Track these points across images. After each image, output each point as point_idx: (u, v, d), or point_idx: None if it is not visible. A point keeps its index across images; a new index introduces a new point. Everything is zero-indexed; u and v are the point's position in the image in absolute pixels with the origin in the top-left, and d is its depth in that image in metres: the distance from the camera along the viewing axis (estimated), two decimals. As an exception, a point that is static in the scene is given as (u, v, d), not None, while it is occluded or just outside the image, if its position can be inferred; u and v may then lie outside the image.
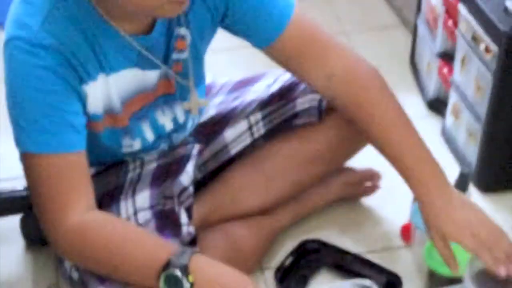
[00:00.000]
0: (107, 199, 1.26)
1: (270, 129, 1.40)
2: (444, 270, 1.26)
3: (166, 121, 1.28)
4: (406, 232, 1.46)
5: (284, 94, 1.38)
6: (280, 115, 1.39)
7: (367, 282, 1.20)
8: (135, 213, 1.24)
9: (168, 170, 1.32)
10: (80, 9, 1.08)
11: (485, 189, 1.59)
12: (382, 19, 2.13)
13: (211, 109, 1.42)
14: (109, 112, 1.18)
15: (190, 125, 1.35)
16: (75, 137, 1.11)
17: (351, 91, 1.24)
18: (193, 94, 1.26)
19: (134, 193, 1.26)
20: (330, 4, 2.19)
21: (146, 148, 1.29)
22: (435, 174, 1.20)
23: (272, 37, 1.22)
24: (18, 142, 1.11)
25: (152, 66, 1.19)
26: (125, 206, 1.24)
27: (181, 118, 1.29)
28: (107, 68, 1.13)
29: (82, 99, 1.12)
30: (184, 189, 1.30)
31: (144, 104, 1.22)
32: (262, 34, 1.23)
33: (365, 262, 1.39)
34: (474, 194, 1.55)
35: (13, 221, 1.47)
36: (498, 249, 1.15)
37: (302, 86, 1.38)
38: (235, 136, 1.40)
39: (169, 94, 1.25)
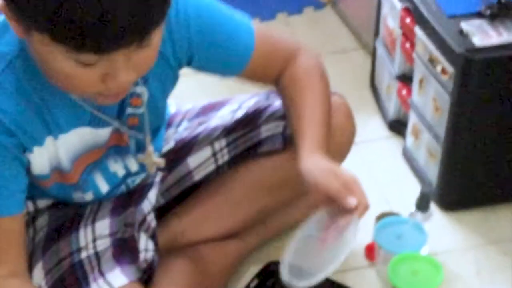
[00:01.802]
0: (66, 227, 1.25)
1: (235, 156, 1.40)
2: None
3: (118, 169, 1.27)
4: (370, 251, 1.48)
5: (249, 121, 1.39)
6: (244, 142, 1.39)
7: None
8: (94, 240, 1.24)
9: (130, 199, 1.31)
10: (28, 73, 1.06)
11: (446, 208, 1.62)
12: (342, 43, 2.15)
13: (173, 140, 1.41)
14: (57, 171, 1.18)
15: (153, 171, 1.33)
16: (10, 201, 1.11)
17: (290, 91, 1.27)
18: (149, 149, 1.25)
19: (94, 221, 1.26)
20: (290, 28, 2.21)
21: (100, 198, 1.29)
22: (319, 144, 1.22)
23: (240, 67, 1.24)
24: None
25: (105, 124, 1.17)
26: (84, 234, 1.24)
27: (133, 168, 1.29)
28: (55, 131, 1.12)
29: (24, 165, 1.12)
30: (146, 216, 1.30)
31: (95, 159, 1.22)
32: (231, 67, 1.25)
33: (331, 282, 1.40)
34: (435, 212, 1.58)
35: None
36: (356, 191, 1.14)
37: (267, 113, 1.38)
38: (199, 162, 1.40)
39: (120, 145, 1.24)
